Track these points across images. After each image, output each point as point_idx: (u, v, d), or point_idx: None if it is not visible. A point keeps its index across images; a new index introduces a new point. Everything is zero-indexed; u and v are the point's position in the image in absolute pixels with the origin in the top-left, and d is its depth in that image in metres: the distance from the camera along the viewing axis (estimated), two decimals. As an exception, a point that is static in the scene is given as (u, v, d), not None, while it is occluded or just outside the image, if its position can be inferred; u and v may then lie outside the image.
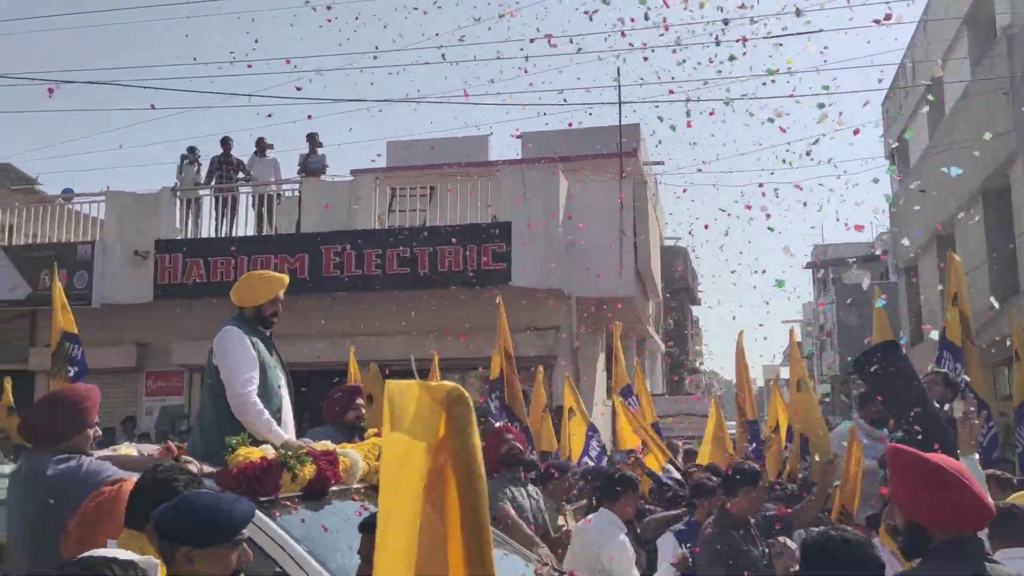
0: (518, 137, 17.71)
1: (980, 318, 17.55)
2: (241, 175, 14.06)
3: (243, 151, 14.32)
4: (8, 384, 10.23)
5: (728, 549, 4.65)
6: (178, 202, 13.67)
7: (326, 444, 3.81)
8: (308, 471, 3.44)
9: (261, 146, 13.99)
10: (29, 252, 13.62)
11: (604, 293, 12.46)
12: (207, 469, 3.38)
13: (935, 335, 7.89)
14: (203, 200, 13.92)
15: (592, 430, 8.54)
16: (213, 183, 13.93)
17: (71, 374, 7.44)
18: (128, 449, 3.87)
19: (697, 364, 34.87)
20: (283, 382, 4.32)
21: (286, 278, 4.46)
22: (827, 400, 37.77)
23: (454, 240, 12.20)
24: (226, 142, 14.12)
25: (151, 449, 3.97)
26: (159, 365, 13.78)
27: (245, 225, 13.73)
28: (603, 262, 12.16)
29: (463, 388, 1.42)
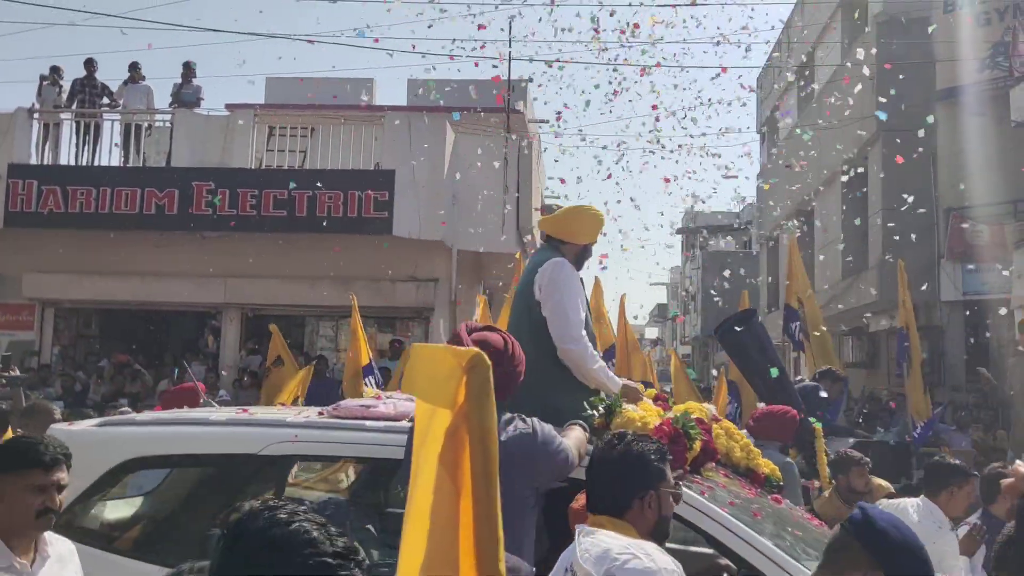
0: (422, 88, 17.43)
1: (832, 290, 18.77)
2: (106, 100, 13.17)
3: (115, 76, 13.42)
4: None
5: None
6: (35, 124, 12.68)
7: (705, 409, 3.50)
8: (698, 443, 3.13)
9: (135, 73, 13.11)
10: None
11: (485, 247, 12.52)
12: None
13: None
14: (63, 124, 12.97)
15: None
16: (75, 107, 12.99)
17: None
18: None
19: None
20: None
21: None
22: (687, 359, 39.59)
23: (335, 185, 11.91)
24: (90, 64, 13.16)
25: None
26: (7, 297, 12.89)
27: (109, 154, 12.91)
28: (485, 216, 12.20)
29: (485, 357, 1.40)
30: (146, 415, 4.34)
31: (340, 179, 12.05)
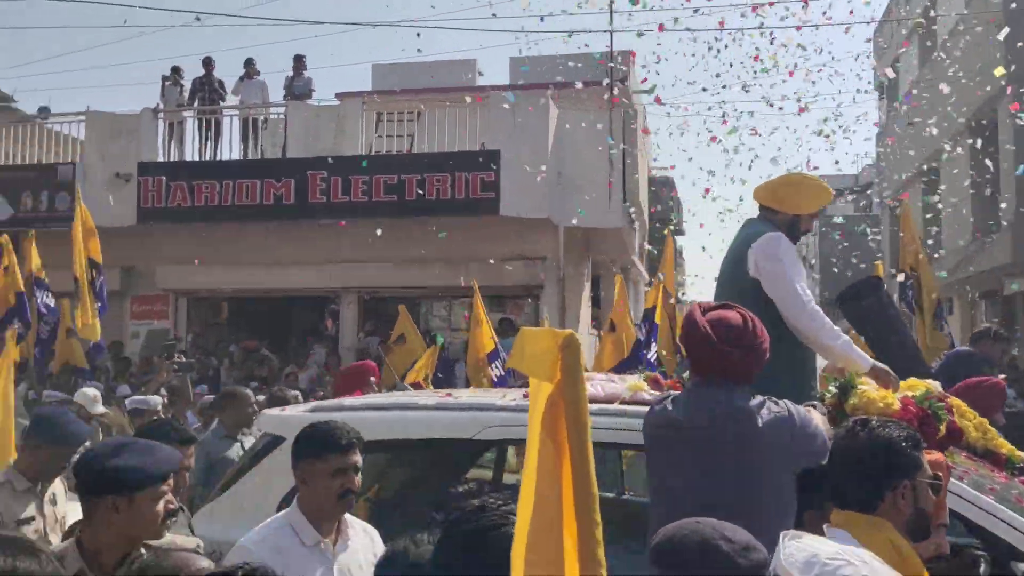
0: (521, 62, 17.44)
1: (961, 252, 17.77)
2: (231, 99, 13.79)
3: (230, 73, 14.03)
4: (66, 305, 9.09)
5: None
6: (161, 124, 13.41)
7: (931, 385, 3.30)
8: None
9: (249, 68, 13.68)
10: (9, 173, 13.39)
11: (592, 223, 12.48)
12: None
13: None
14: (186, 122, 13.66)
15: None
16: (195, 105, 13.66)
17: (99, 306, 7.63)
18: None
19: (680, 294, 35.12)
20: None
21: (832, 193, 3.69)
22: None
23: (442, 168, 12.11)
24: (208, 63, 13.80)
25: None
26: (143, 289, 13.72)
27: (230, 149, 13.53)
28: (591, 192, 12.14)
29: (576, 336, 1.53)
30: (355, 400, 4.39)
31: (447, 162, 12.24)
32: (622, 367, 7.79)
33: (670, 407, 2.82)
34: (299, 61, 13.90)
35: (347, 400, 4.44)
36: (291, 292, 13.75)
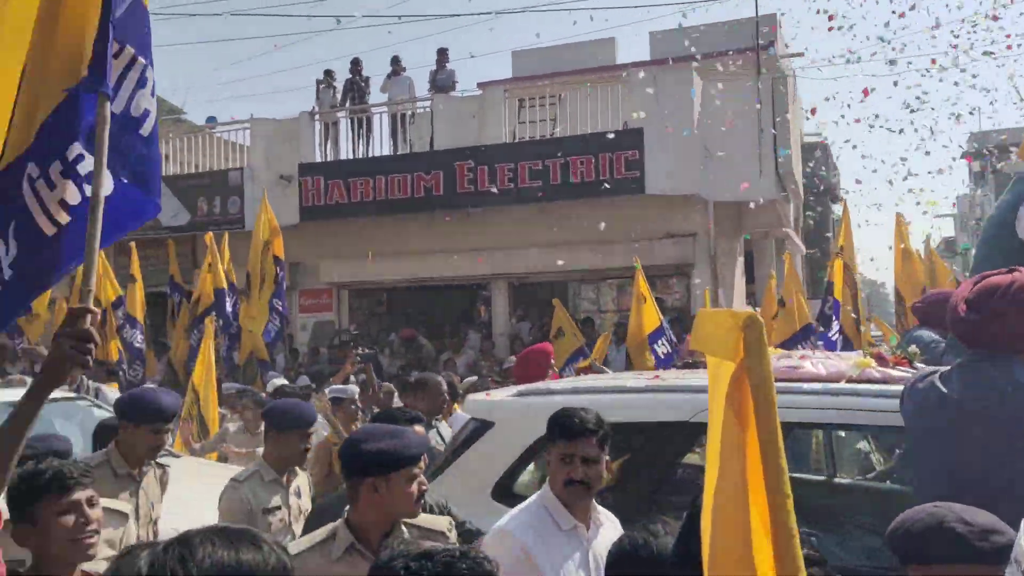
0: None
1: None
2: (369, 95, 14.32)
3: (380, 71, 14.54)
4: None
5: None
6: (317, 125, 14.09)
7: None
8: None
9: (396, 66, 14.15)
10: (184, 181, 14.47)
11: (743, 196, 12.09)
12: None
13: None
14: (340, 122, 14.30)
15: None
16: (347, 105, 14.26)
17: (280, 306, 8.27)
18: None
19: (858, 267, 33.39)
20: None
21: None
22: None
23: (585, 150, 12.08)
24: (356, 64, 14.36)
25: None
26: (309, 283, 14.51)
27: (381, 145, 14.05)
28: (741, 164, 11.76)
29: (758, 316, 1.53)
30: (563, 383, 4.35)
31: (589, 143, 12.20)
32: (790, 343, 7.55)
33: (940, 384, 2.58)
34: (442, 54, 14.22)
35: (555, 383, 4.39)
36: (444, 281, 14.15)
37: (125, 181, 2.34)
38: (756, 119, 11.86)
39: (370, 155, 13.92)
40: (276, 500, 3.61)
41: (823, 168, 23.61)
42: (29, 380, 6.24)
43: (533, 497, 2.75)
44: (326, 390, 6.40)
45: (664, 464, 3.40)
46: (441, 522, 2.70)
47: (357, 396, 6.18)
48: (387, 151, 13.93)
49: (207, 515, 3.24)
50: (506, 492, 3.47)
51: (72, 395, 6.07)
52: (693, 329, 1.73)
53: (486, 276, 13.68)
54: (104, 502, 2.58)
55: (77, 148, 2.27)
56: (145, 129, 2.35)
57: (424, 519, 2.63)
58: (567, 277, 13.57)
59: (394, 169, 13.08)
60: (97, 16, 2.22)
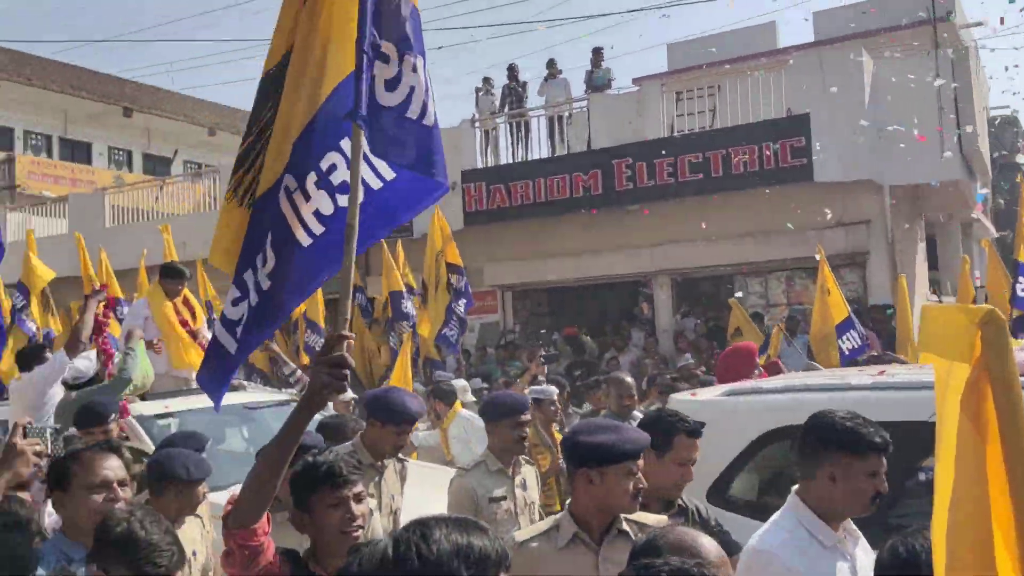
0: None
1: None
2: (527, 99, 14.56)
3: (536, 75, 14.78)
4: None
5: None
6: (477, 132, 14.48)
7: None
8: None
9: (552, 69, 14.34)
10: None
11: (922, 179, 11.35)
12: None
13: None
14: (499, 128, 14.63)
15: None
16: (506, 110, 14.57)
17: (461, 306, 8.68)
18: None
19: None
20: None
21: None
22: None
23: (748, 139, 11.74)
24: (512, 70, 14.64)
25: None
26: (474, 286, 14.87)
27: (539, 147, 14.25)
28: (919, 145, 11.03)
29: (997, 311, 1.45)
30: (775, 382, 4.15)
31: (752, 132, 11.84)
32: None
33: None
34: (597, 53, 14.26)
35: (765, 382, 4.23)
36: (605, 279, 14.15)
37: (404, 167, 2.42)
38: (935, 95, 11.10)
39: (529, 158, 14.15)
40: (501, 490, 3.73)
41: (1020, 142, 21.71)
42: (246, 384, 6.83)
43: (785, 512, 2.51)
44: (528, 390, 6.48)
45: (900, 469, 3.11)
46: (662, 521, 2.63)
47: (556, 396, 6.20)
48: (545, 153, 14.11)
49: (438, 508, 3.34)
50: (722, 495, 3.35)
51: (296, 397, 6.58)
52: (920, 328, 1.61)
53: (648, 272, 13.56)
54: None
55: (332, 157, 2.38)
56: (425, 116, 2.38)
57: (644, 516, 2.62)
58: (732, 271, 13.24)
59: (553, 170, 13.22)
60: (352, 35, 2.30)
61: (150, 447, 4.62)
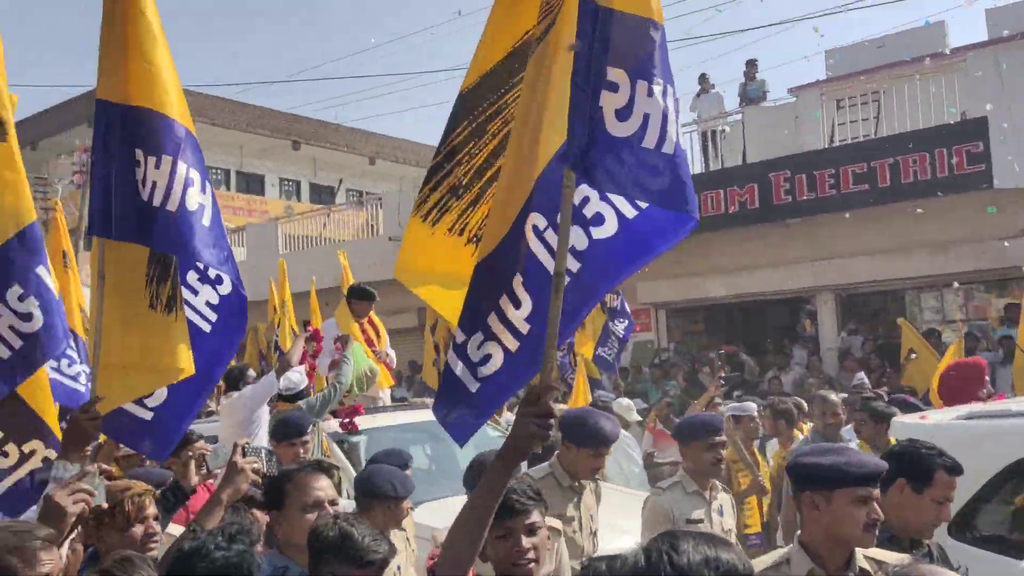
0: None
1: None
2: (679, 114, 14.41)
3: (689, 91, 14.63)
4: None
5: None
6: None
7: None
8: None
9: (704, 84, 14.15)
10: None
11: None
12: None
13: None
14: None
15: None
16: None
17: (619, 326, 8.79)
18: None
19: None
20: None
21: None
22: None
23: (917, 147, 11.11)
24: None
25: None
26: (628, 304, 14.82)
27: (692, 163, 14.05)
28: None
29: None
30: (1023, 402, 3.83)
31: (922, 139, 11.21)
32: None
33: None
34: (751, 65, 13.96)
35: (1015, 403, 3.92)
36: (763, 296, 13.73)
37: (646, 206, 2.29)
38: None
39: (682, 174, 13.97)
40: (698, 513, 3.69)
41: None
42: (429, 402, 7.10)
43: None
44: (726, 408, 6.38)
45: None
46: (904, 561, 2.31)
47: (755, 413, 6.04)
48: (699, 169, 13.89)
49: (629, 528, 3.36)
50: (969, 529, 3.13)
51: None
52: None
53: (810, 289, 13.05)
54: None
55: (584, 191, 2.26)
56: (664, 144, 2.25)
57: (884, 554, 2.35)
58: (902, 285, 12.53)
59: (706, 186, 13.00)
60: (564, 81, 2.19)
61: (346, 464, 4.88)
